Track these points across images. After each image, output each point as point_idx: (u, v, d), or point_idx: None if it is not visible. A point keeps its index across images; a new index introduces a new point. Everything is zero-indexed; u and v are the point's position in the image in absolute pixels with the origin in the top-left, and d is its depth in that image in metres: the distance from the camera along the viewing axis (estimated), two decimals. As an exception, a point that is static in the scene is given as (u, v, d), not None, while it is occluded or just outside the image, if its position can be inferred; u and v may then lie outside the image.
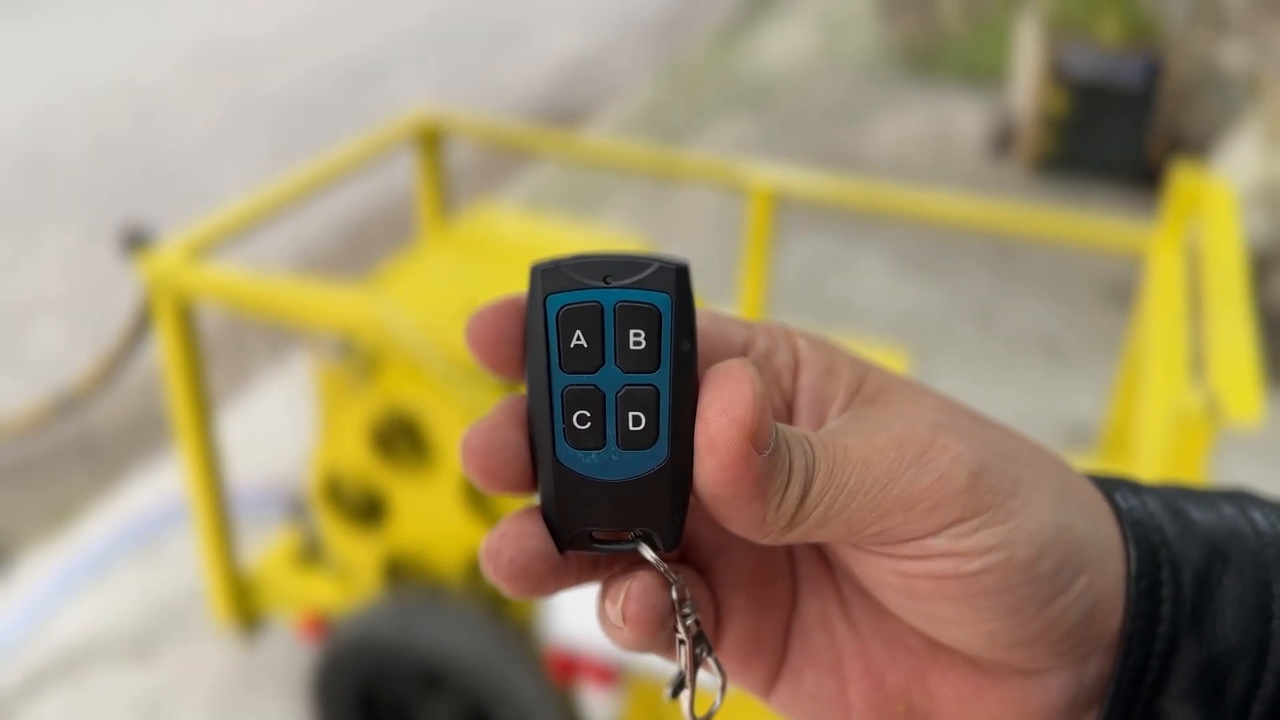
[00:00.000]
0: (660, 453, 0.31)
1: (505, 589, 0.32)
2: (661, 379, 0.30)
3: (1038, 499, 0.32)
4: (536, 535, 0.32)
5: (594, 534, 0.32)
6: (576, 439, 0.31)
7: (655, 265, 0.30)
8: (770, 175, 1.84)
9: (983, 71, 5.35)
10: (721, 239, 3.65)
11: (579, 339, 0.30)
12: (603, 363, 0.31)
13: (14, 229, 3.87)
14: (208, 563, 1.73)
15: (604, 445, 0.31)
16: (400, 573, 1.67)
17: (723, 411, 0.29)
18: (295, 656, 2.00)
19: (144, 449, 2.70)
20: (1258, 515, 0.35)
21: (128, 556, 2.30)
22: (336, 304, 1.45)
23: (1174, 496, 0.36)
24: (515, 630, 1.56)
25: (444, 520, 1.57)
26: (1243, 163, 3.36)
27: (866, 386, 0.34)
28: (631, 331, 0.30)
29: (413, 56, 5.82)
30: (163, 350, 1.57)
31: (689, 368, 0.31)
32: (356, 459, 1.60)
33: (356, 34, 6.09)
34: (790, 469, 0.30)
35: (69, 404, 1.98)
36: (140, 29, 6.04)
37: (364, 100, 5.16)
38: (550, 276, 0.31)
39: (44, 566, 2.28)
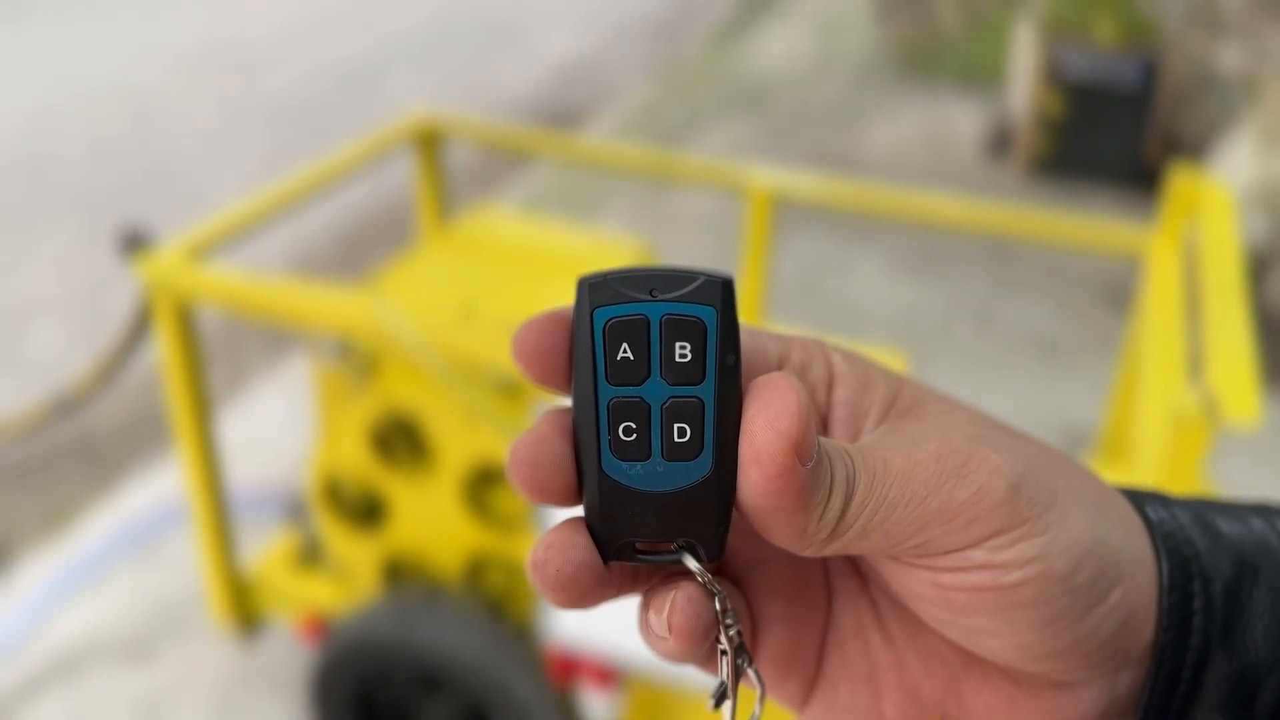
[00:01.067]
0: (705, 464, 0.31)
1: (551, 599, 0.32)
2: (707, 391, 0.31)
3: (1074, 512, 0.32)
4: (582, 546, 0.32)
5: (638, 545, 0.32)
6: (622, 450, 0.31)
7: (701, 279, 0.31)
8: (768, 177, 1.84)
9: (979, 73, 5.36)
10: (719, 240, 3.65)
11: (625, 351, 0.31)
12: (648, 375, 0.31)
13: (12, 230, 3.87)
14: (207, 564, 1.73)
15: (649, 457, 0.31)
16: (399, 574, 1.67)
17: (768, 424, 0.30)
18: (294, 657, 2.00)
19: (142, 450, 2.70)
20: None
21: (126, 558, 2.30)
22: (336, 306, 1.45)
23: (1203, 509, 0.36)
24: (514, 631, 1.56)
25: (443, 521, 1.57)
26: (1240, 164, 3.36)
27: (901, 400, 0.35)
28: (677, 344, 0.31)
29: (410, 58, 5.82)
30: (162, 352, 1.57)
31: (734, 380, 0.31)
32: (355, 460, 1.60)
33: (353, 35, 6.09)
34: (832, 481, 0.30)
35: (67, 405, 1.98)
36: (137, 31, 6.04)
37: (361, 102, 5.16)
38: (597, 290, 0.31)
39: (42, 568, 2.28)
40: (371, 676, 1.64)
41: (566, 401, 0.32)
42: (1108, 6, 4.28)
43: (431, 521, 1.58)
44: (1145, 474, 1.17)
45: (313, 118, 4.95)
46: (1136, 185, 4.11)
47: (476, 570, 1.61)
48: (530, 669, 1.52)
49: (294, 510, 1.90)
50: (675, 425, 0.31)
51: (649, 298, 0.31)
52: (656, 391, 0.31)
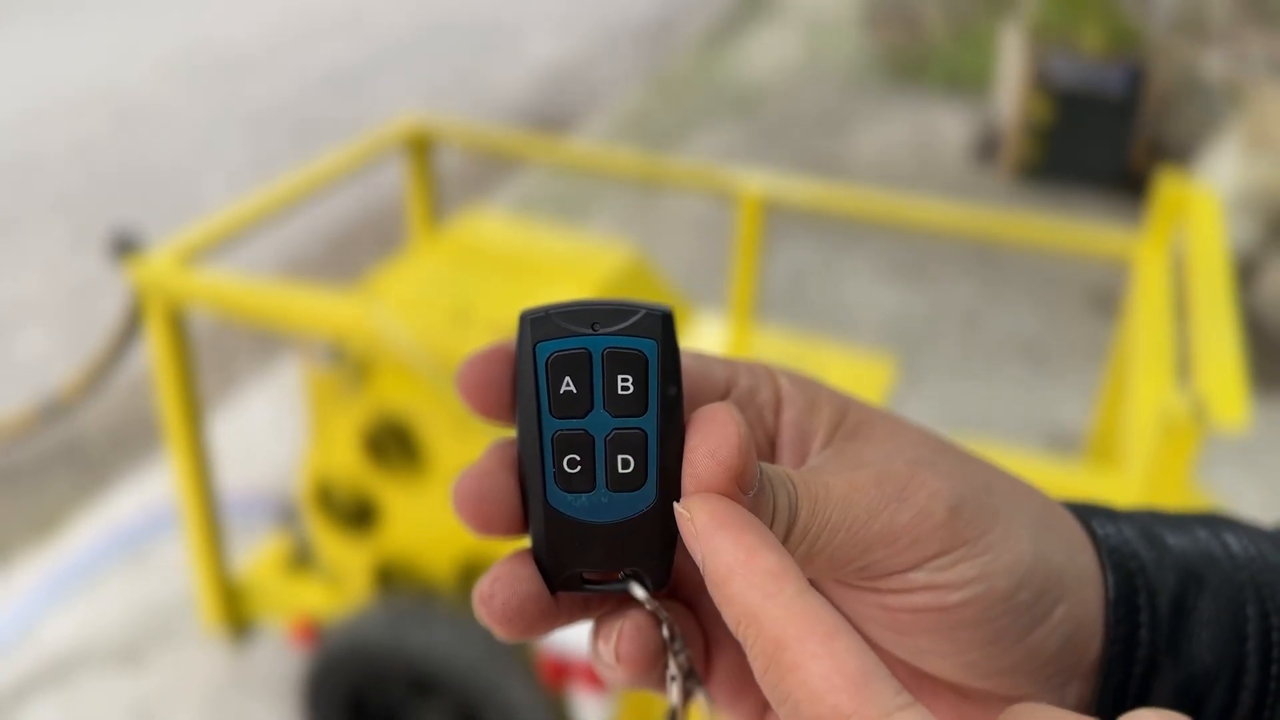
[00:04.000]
0: (649, 494, 0.31)
1: (499, 631, 0.32)
2: (649, 423, 0.31)
3: (1015, 531, 0.32)
4: (528, 579, 0.32)
5: (585, 575, 0.33)
6: (567, 482, 0.31)
7: (642, 312, 0.31)
8: (759, 182, 1.85)
9: (967, 80, 5.39)
10: (708, 244, 3.66)
11: (568, 385, 0.31)
12: (592, 407, 0.31)
13: (-2, 234, 3.86)
14: (198, 568, 1.73)
15: (594, 488, 0.31)
16: (391, 578, 1.67)
17: (709, 454, 0.30)
18: (286, 663, 2.00)
19: (130, 455, 2.69)
20: (1231, 539, 0.36)
21: (115, 564, 2.29)
22: (329, 310, 1.45)
23: (1149, 522, 0.36)
24: (507, 635, 1.56)
25: (435, 526, 1.57)
26: (1226, 169, 3.39)
27: (848, 422, 0.35)
28: (619, 377, 0.31)
29: (397, 62, 5.82)
30: (154, 356, 1.57)
31: (675, 411, 0.31)
32: (347, 465, 1.60)
33: (341, 39, 6.09)
34: (774, 508, 0.31)
35: (56, 410, 1.97)
36: (124, 34, 6.02)
37: (348, 105, 5.15)
38: (539, 325, 0.31)
39: (31, 573, 2.27)
40: (363, 681, 1.64)
41: (512, 434, 0.33)
42: (1095, 13, 4.31)
43: (424, 525, 1.58)
44: (1133, 478, 1.18)
45: (300, 121, 4.95)
46: (1123, 191, 4.14)
47: (469, 574, 1.61)
48: (522, 673, 1.52)
49: (286, 514, 1.90)
50: (619, 456, 0.31)
51: (590, 331, 0.31)
52: (600, 424, 0.31)
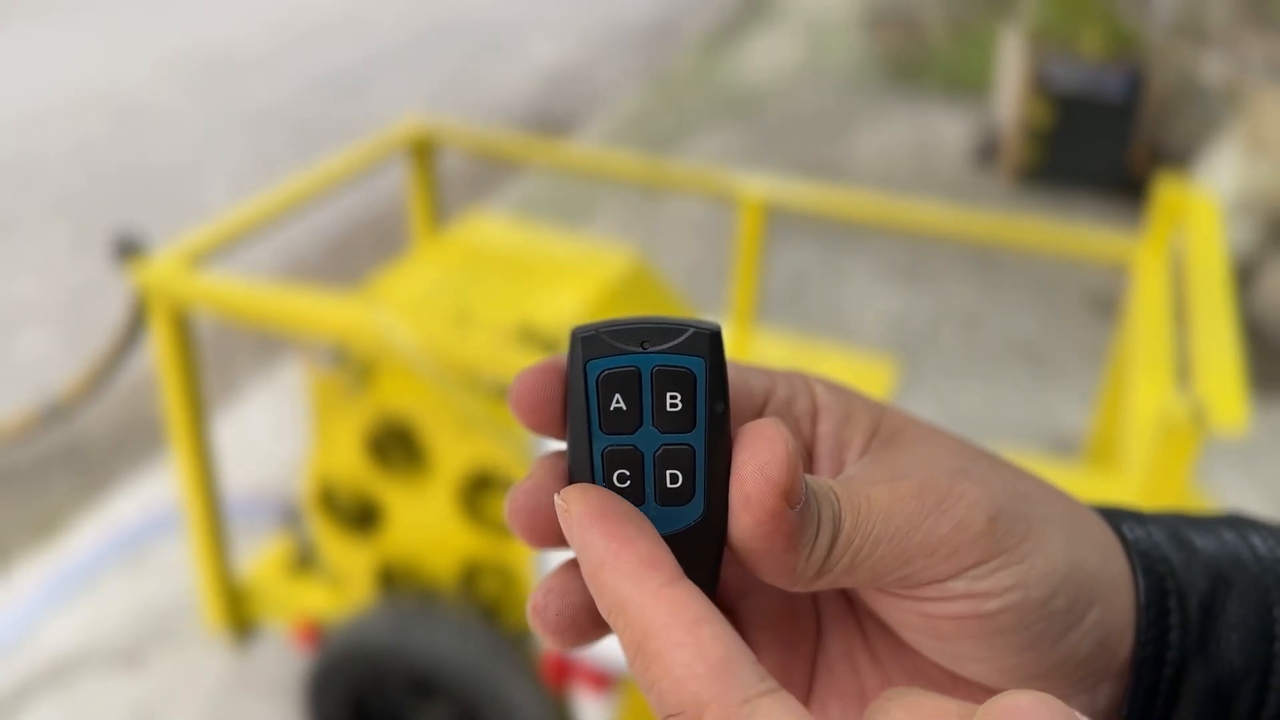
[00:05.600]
0: (697, 508, 0.32)
1: (553, 641, 0.33)
2: (697, 439, 0.32)
3: (1050, 538, 0.33)
4: (580, 590, 0.33)
5: None
6: None
7: (690, 330, 0.32)
8: (761, 186, 1.85)
9: (967, 83, 5.40)
10: (708, 246, 3.67)
11: (618, 402, 0.32)
12: (641, 424, 0.32)
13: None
14: (201, 570, 1.74)
15: (643, 502, 0.32)
16: (394, 580, 1.67)
17: (758, 470, 0.30)
18: (288, 664, 2.00)
19: (131, 457, 2.70)
20: (1256, 540, 0.37)
21: (116, 565, 2.30)
22: (332, 312, 1.46)
23: (1177, 525, 0.37)
24: (509, 636, 1.57)
25: (438, 528, 1.57)
26: (1225, 173, 3.40)
27: (883, 430, 0.36)
28: (668, 394, 0.32)
29: (398, 64, 5.83)
30: (158, 358, 1.57)
31: (723, 427, 0.32)
32: (350, 467, 1.61)
33: (341, 41, 6.10)
34: (819, 521, 0.31)
35: (58, 412, 1.98)
36: (124, 35, 6.03)
37: (348, 108, 5.16)
38: (590, 343, 0.32)
39: (32, 576, 2.28)
40: (366, 682, 1.64)
41: (561, 446, 0.33)
42: (1094, 17, 4.32)
43: (426, 527, 1.59)
44: (1133, 481, 1.19)
45: (300, 122, 4.96)
46: (1122, 194, 4.15)
47: (471, 576, 1.62)
48: (525, 674, 1.53)
49: (288, 516, 1.90)
50: (667, 472, 0.32)
51: (640, 350, 0.32)
52: (649, 439, 0.32)
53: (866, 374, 1.92)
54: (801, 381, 0.36)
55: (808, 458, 0.36)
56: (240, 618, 1.79)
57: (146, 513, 2.40)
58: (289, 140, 4.75)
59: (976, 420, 2.88)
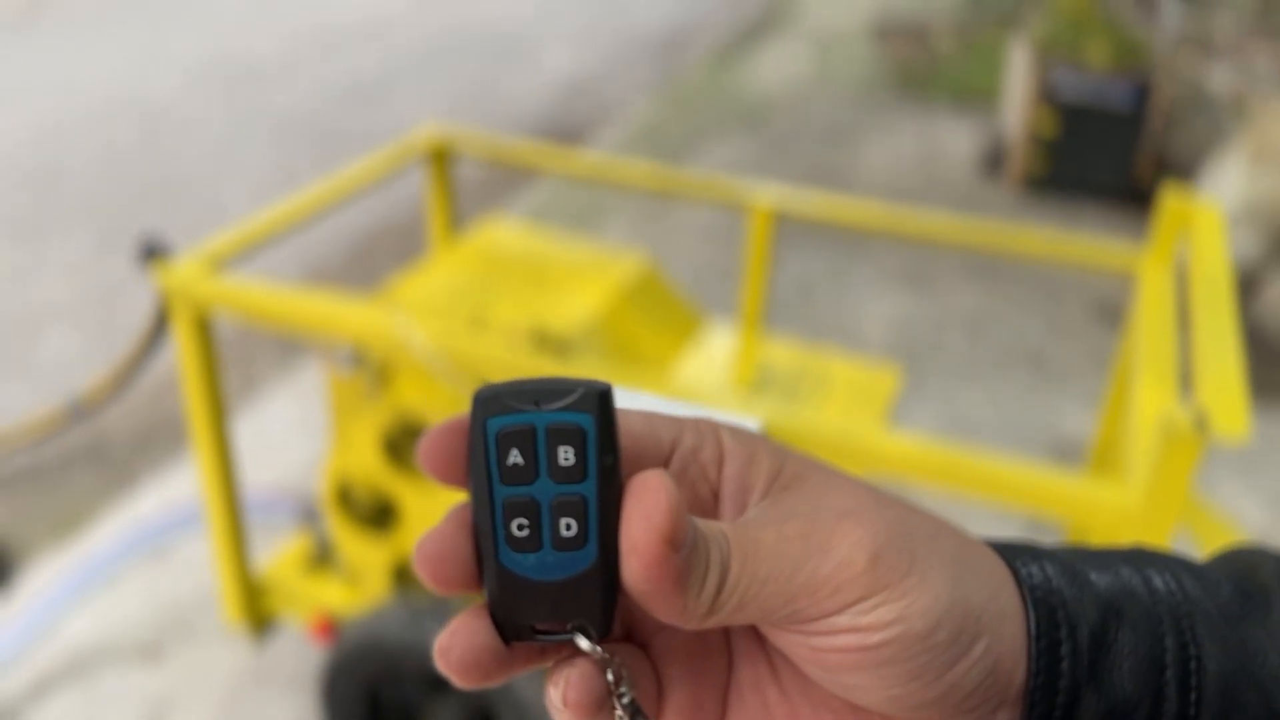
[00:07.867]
0: (590, 554, 0.35)
1: (458, 681, 0.36)
2: (589, 489, 0.35)
3: (934, 573, 0.35)
4: (483, 631, 0.36)
5: (535, 626, 0.36)
6: (516, 544, 0.35)
7: (581, 390, 0.35)
8: (770, 194, 1.89)
9: (974, 93, 5.42)
10: (717, 252, 3.71)
11: (515, 456, 0.35)
12: (537, 476, 0.35)
13: (25, 239, 3.92)
14: (221, 566, 1.77)
15: (540, 548, 0.35)
16: (409, 577, 1.71)
17: (644, 518, 0.33)
18: (305, 658, 2.04)
19: (153, 455, 2.74)
20: (1154, 575, 0.39)
21: (137, 561, 2.34)
22: (351, 316, 1.49)
23: (1073, 560, 0.39)
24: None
25: (453, 525, 1.60)
26: (1229, 183, 3.42)
27: (784, 474, 0.38)
28: (560, 449, 0.34)
29: (417, 74, 5.88)
30: (181, 359, 1.61)
31: (613, 478, 0.35)
32: (368, 466, 1.65)
33: (361, 50, 6.15)
34: (707, 563, 0.34)
35: (81, 411, 2.02)
36: (148, 43, 6.09)
37: (367, 116, 5.21)
38: (489, 403, 0.35)
39: (54, 572, 2.31)
40: (381, 677, 1.67)
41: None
42: (1100, 28, 4.34)
43: (442, 525, 1.62)
44: (1135, 487, 1.20)
45: (321, 130, 5.00)
46: (1127, 204, 4.17)
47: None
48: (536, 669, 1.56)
49: (307, 514, 1.94)
50: (562, 520, 0.35)
51: (534, 408, 0.35)
52: (545, 490, 0.35)
53: (872, 381, 1.95)
54: (709, 429, 0.39)
55: (714, 500, 0.38)
56: (258, 613, 1.82)
57: (168, 509, 2.43)
58: (310, 147, 4.79)
59: (981, 426, 2.91)
